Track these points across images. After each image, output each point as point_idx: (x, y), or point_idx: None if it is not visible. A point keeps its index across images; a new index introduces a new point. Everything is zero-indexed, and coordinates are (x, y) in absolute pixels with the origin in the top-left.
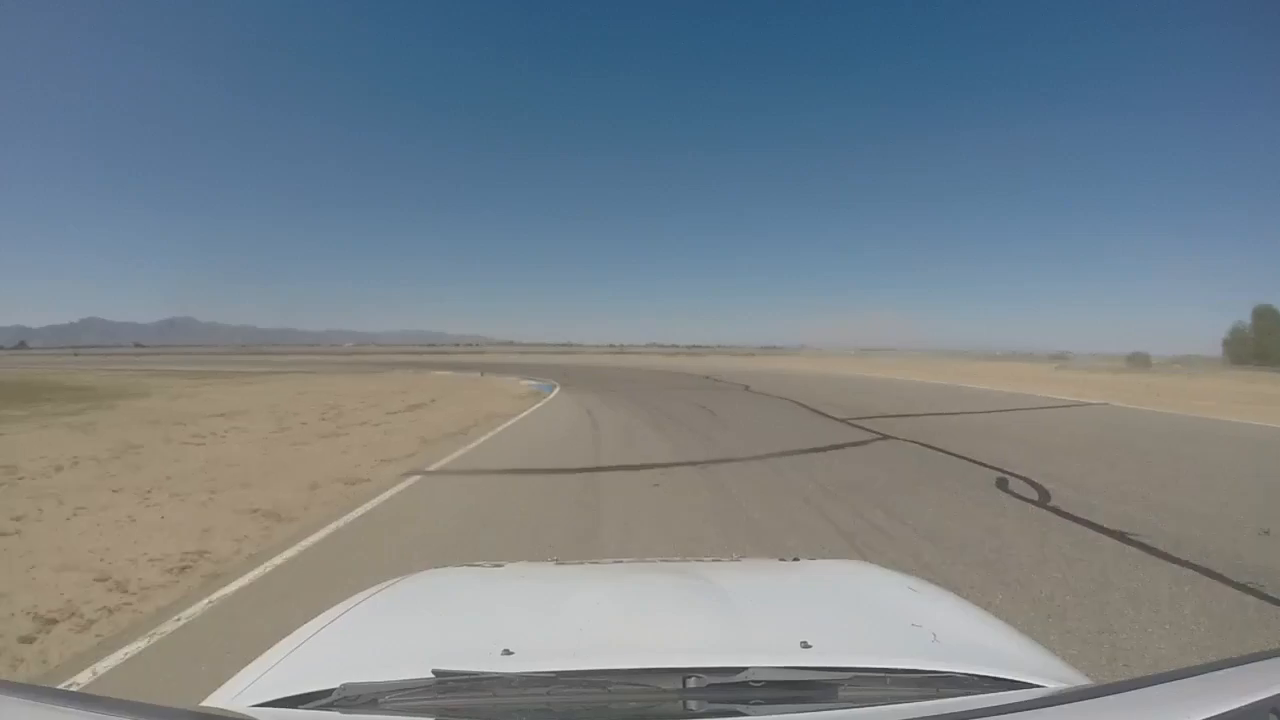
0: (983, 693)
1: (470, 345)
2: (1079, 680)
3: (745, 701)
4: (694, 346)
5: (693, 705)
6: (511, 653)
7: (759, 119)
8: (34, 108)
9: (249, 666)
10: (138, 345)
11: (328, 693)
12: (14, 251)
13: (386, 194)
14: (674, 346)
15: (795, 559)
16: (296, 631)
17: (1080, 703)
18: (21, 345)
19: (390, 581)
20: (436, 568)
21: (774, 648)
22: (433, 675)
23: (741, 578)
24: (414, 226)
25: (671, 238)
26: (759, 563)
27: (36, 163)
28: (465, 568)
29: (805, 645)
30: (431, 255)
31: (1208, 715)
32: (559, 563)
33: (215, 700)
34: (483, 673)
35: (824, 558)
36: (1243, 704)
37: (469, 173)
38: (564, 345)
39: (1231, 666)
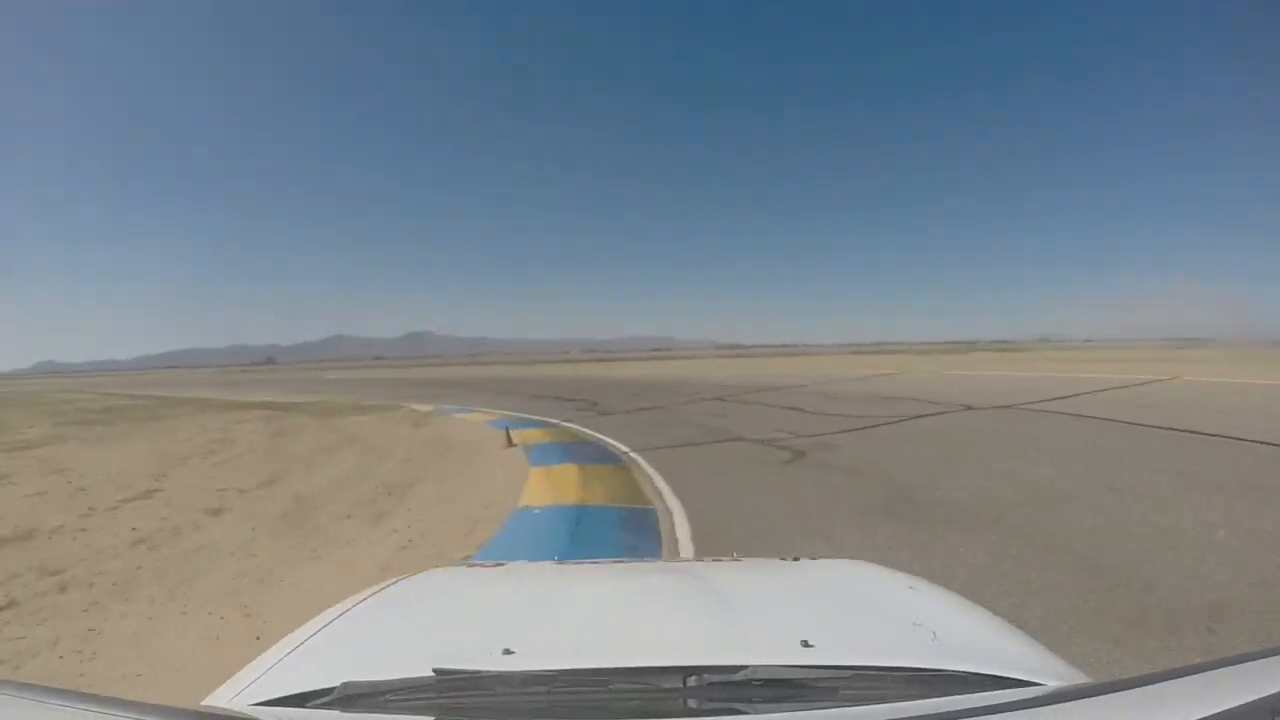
0: (983, 692)
1: (693, 349)
2: (1079, 679)
3: (745, 700)
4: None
5: (693, 704)
6: (512, 652)
7: None
8: (294, 157)
9: (249, 666)
10: (377, 358)
11: (328, 692)
12: (267, 276)
13: (616, 200)
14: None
15: (795, 558)
16: (297, 631)
17: (1080, 701)
18: (269, 361)
19: (390, 581)
20: (436, 567)
21: (774, 647)
22: (433, 674)
23: (741, 577)
24: (644, 233)
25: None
26: (759, 562)
27: (293, 200)
28: (465, 567)
29: (805, 644)
30: (661, 261)
31: (1208, 714)
32: (559, 562)
33: (215, 699)
34: (483, 672)
35: (824, 558)
36: (1243, 703)
37: (703, 178)
38: (793, 346)
39: (1232, 665)
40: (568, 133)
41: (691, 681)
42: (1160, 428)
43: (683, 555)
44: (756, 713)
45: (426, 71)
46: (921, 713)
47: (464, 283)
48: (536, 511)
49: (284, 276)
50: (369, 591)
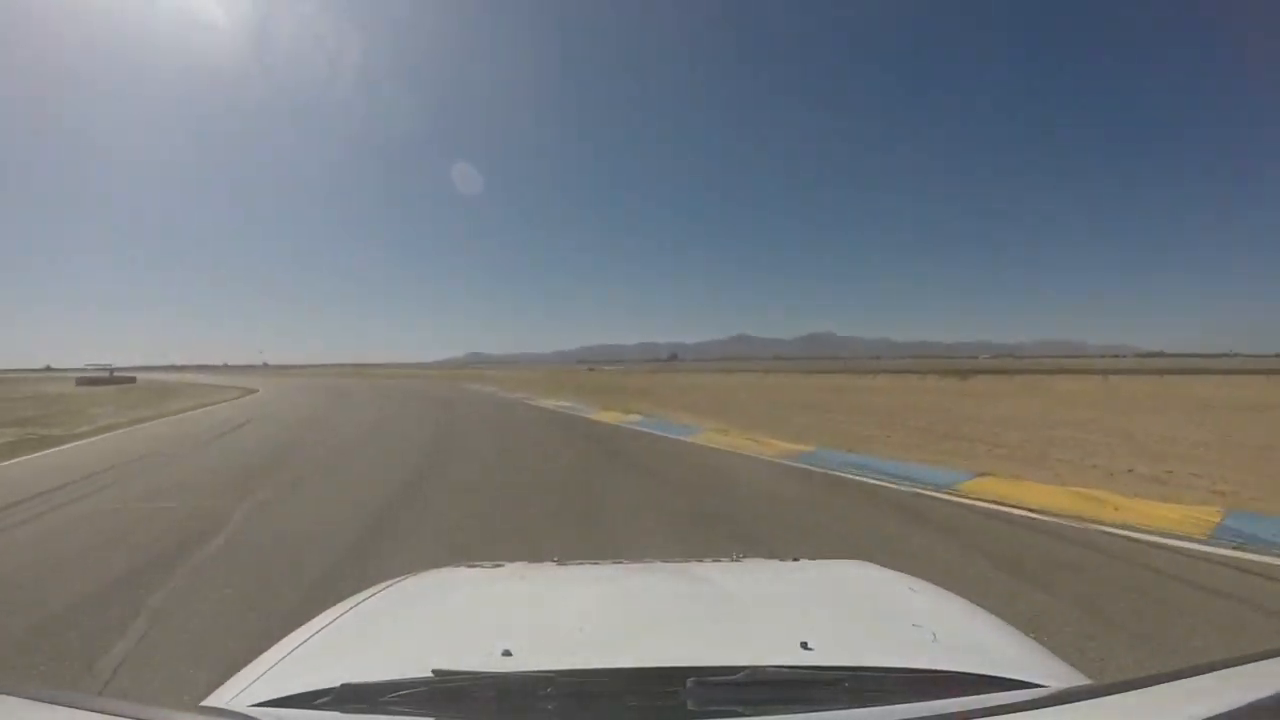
0: (983, 693)
1: (1111, 354)
2: (1079, 680)
3: (745, 702)
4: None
5: (692, 705)
6: (511, 653)
7: None
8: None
9: (249, 666)
10: (777, 358)
11: (328, 692)
12: (675, 274)
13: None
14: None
15: (796, 559)
16: (296, 631)
17: (1080, 703)
18: (673, 358)
19: (390, 581)
20: (436, 568)
21: (774, 648)
22: (433, 675)
23: (741, 578)
24: (1056, 224)
25: None
26: (759, 563)
27: (703, 199)
28: (465, 568)
29: (805, 645)
30: (1072, 260)
31: (1208, 715)
32: (559, 563)
33: (215, 700)
34: (482, 672)
35: (824, 558)
36: (1243, 703)
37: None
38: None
39: (1232, 666)
40: (986, 130)
41: (691, 682)
42: None
43: None
44: (756, 714)
45: (826, 71)
46: (922, 714)
47: (866, 283)
48: None
49: (691, 275)
50: (369, 591)
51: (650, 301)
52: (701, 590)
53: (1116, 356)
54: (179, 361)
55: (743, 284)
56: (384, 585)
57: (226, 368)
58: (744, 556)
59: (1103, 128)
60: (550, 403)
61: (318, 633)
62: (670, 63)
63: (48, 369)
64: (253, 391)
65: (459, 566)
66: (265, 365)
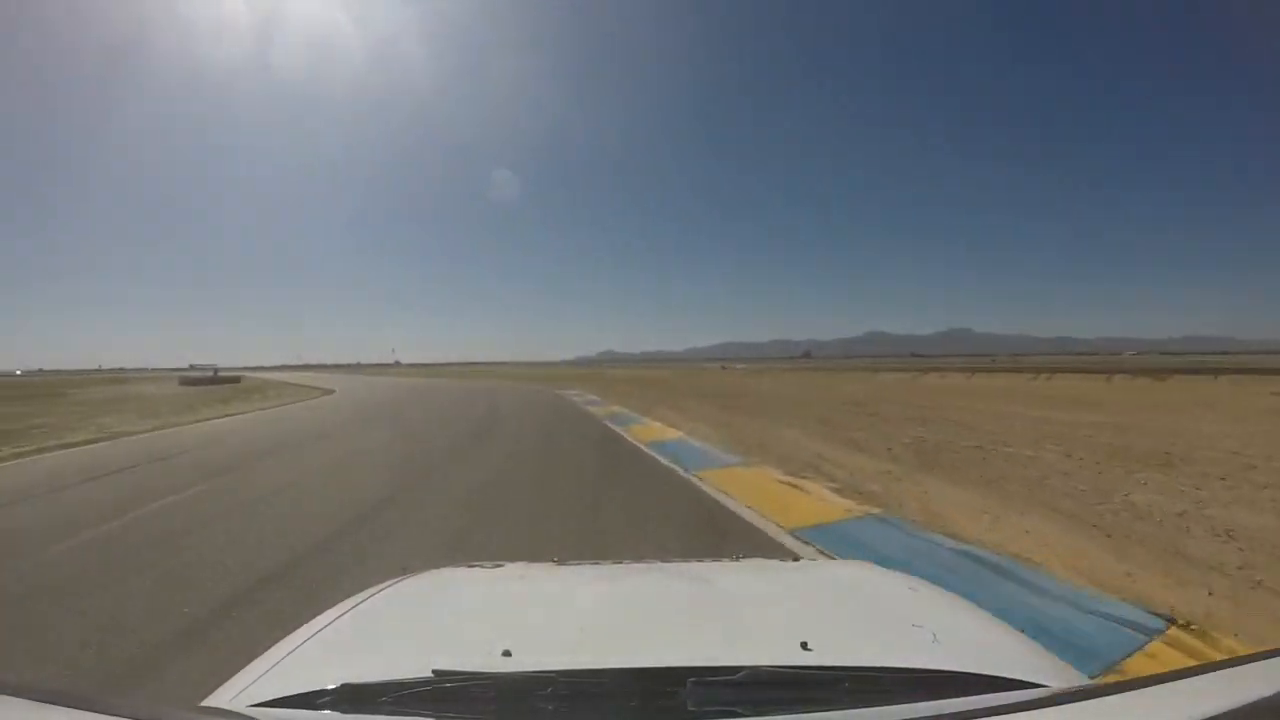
0: (983, 693)
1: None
2: (1079, 680)
3: (745, 702)
4: None
5: (692, 706)
6: (511, 653)
7: None
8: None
9: (249, 666)
10: (914, 354)
11: (328, 693)
12: (809, 270)
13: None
14: None
15: (796, 559)
16: (297, 631)
17: (1080, 703)
18: (806, 355)
19: (390, 581)
20: (436, 568)
21: (774, 648)
22: (433, 675)
23: (741, 578)
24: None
25: None
26: (759, 563)
27: (840, 196)
28: (465, 568)
29: (805, 646)
30: (1224, 253)
31: (1208, 715)
32: (559, 563)
33: (215, 700)
34: (482, 672)
35: (824, 559)
36: (1243, 703)
37: None
38: None
39: (1232, 666)
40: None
41: (691, 682)
42: None
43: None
44: (756, 714)
45: (972, 65)
46: (922, 714)
47: (1005, 277)
48: None
49: (825, 271)
50: (369, 592)
51: (784, 298)
52: (701, 590)
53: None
54: (313, 360)
55: (877, 279)
56: (384, 585)
57: (359, 366)
58: (744, 556)
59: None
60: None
61: (318, 633)
62: (810, 58)
63: (140, 368)
64: (328, 393)
65: (459, 567)
66: (397, 364)
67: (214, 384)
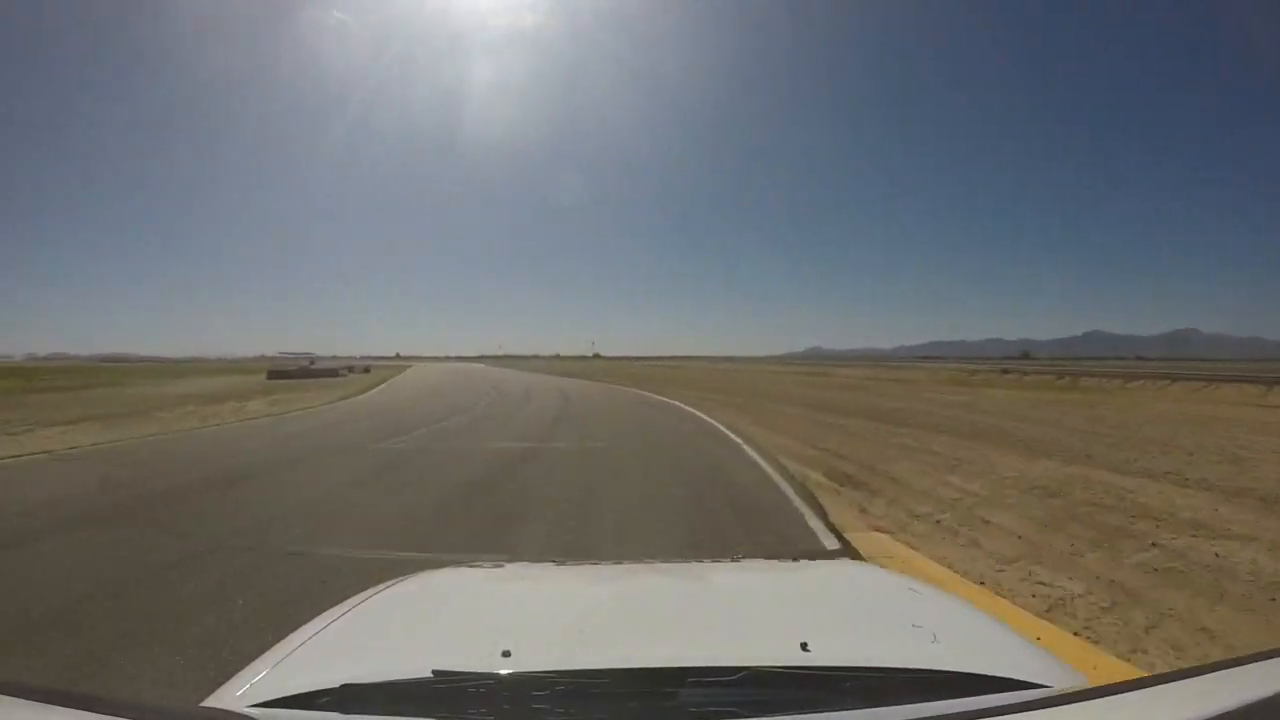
0: (983, 693)
1: None
2: (1079, 681)
3: (744, 702)
4: None
5: (691, 707)
6: (510, 653)
7: None
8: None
9: (249, 666)
10: (1139, 358)
11: (328, 693)
12: (1018, 270)
13: None
14: None
15: (795, 560)
16: (297, 631)
17: (1080, 703)
18: (1025, 356)
19: (390, 582)
20: (436, 568)
21: (773, 649)
22: (433, 675)
23: (740, 578)
24: None
25: None
26: (758, 564)
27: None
28: (465, 568)
29: (804, 646)
30: None
31: (1208, 715)
32: (559, 563)
33: (215, 700)
34: (482, 673)
35: (824, 559)
36: (1243, 704)
37: None
38: None
39: (1232, 666)
40: None
41: (690, 683)
42: None
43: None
44: (755, 714)
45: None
46: (922, 714)
47: (1235, 276)
48: None
49: (1040, 267)
50: (369, 592)
51: (997, 294)
52: (701, 591)
53: None
54: (513, 351)
55: (1096, 275)
56: (384, 585)
57: (559, 358)
58: (744, 557)
59: None
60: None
61: (318, 633)
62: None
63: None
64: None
65: (459, 567)
66: (597, 356)
67: (306, 377)
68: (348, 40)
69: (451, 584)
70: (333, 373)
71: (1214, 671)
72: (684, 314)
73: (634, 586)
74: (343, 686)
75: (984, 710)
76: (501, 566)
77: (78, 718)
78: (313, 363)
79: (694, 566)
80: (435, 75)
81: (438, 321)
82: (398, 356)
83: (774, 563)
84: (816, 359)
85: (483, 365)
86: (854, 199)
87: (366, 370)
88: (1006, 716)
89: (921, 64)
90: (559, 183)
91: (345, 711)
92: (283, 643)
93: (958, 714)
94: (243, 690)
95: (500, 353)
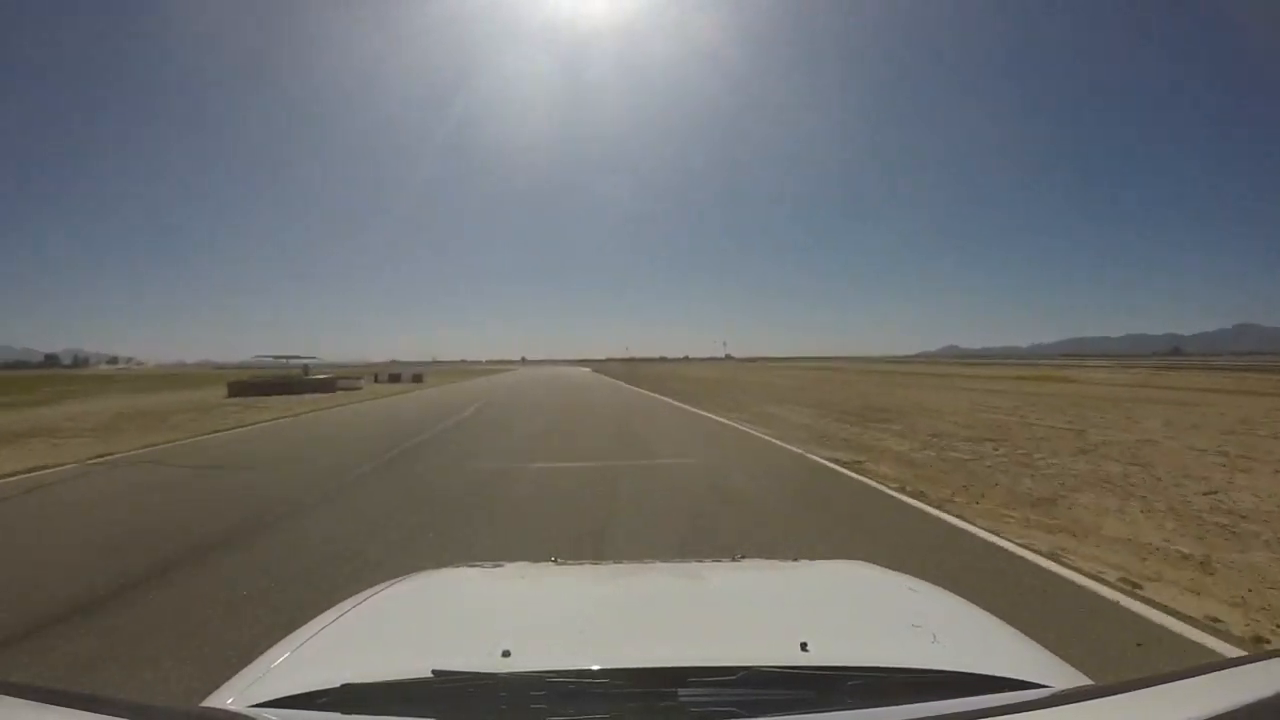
0: (983, 693)
1: None
2: (1079, 680)
3: (744, 702)
4: None
5: (692, 707)
6: (511, 653)
7: None
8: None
9: (249, 666)
10: None
11: (328, 693)
12: (1163, 259)
13: None
14: None
15: (795, 559)
16: (297, 631)
17: (1080, 703)
18: (1175, 351)
19: (390, 581)
20: (436, 568)
21: (773, 648)
22: (433, 675)
23: (740, 578)
24: None
25: None
26: (758, 563)
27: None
28: (465, 568)
29: (804, 646)
30: None
31: (1208, 715)
32: (559, 563)
33: (215, 700)
34: (482, 673)
35: (824, 559)
36: (1243, 704)
37: None
38: None
39: (1232, 667)
40: None
41: (690, 683)
42: None
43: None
44: (755, 714)
45: None
46: (921, 715)
47: None
48: None
49: (1186, 255)
50: (369, 592)
51: (1138, 287)
52: (701, 590)
53: None
54: (640, 354)
55: (1247, 263)
56: (384, 585)
57: (686, 360)
58: (744, 557)
59: None
60: None
61: (318, 633)
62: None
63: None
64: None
65: (459, 566)
66: (729, 357)
67: (285, 392)
68: (489, 45)
69: (451, 584)
70: (329, 385)
71: (1214, 671)
72: (817, 313)
73: (634, 586)
74: (343, 686)
75: (984, 710)
76: (501, 566)
77: (78, 718)
78: (307, 371)
79: (694, 566)
80: (571, 69)
81: (570, 324)
82: (523, 360)
83: (774, 563)
84: (951, 357)
85: (585, 370)
86: (991, 194)
87: (417, 379)
88: (1007, 716)
89: (1074, 57)
90: (689, 179)
91: (345, 711)
92: (283, 643)
93: (958, 714)
94: (243, 690)
95: (627, 355)
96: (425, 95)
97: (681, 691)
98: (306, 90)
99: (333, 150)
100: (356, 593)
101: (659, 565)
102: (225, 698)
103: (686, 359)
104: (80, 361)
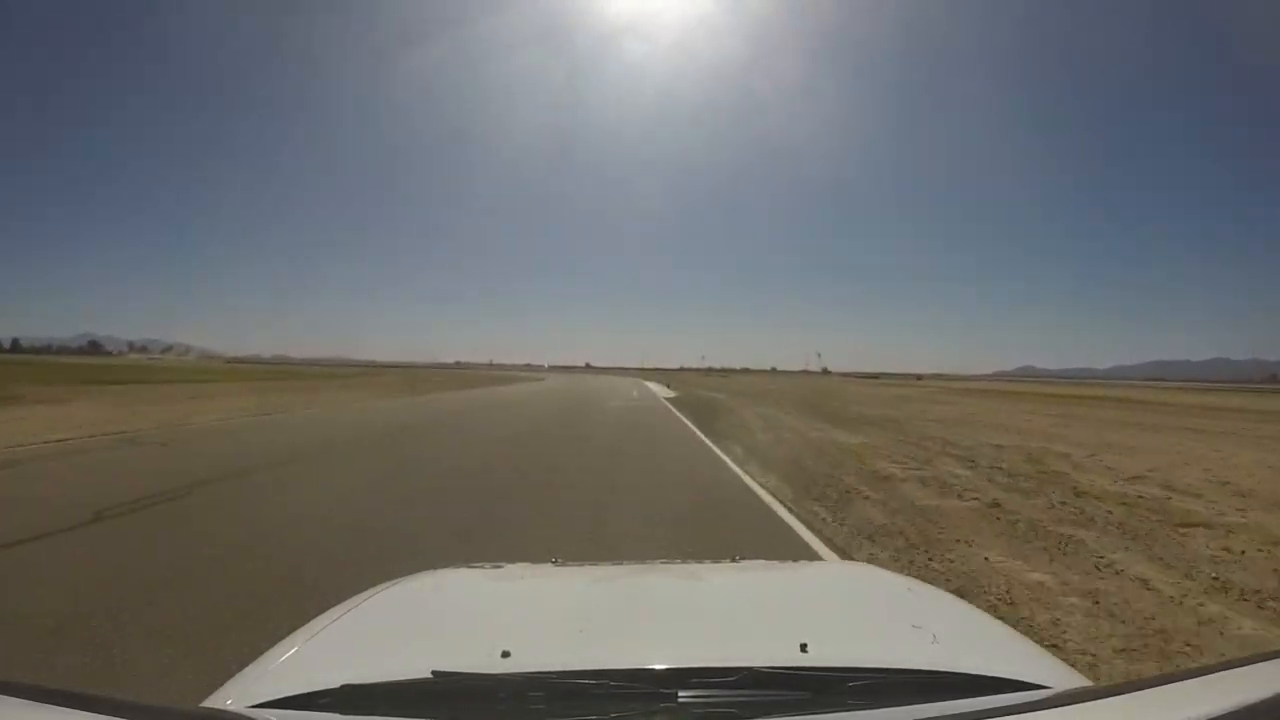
0: (983, 694)
1: None
2: (1079, 681)
3: (744, 703)
4: None
5: (692, 707)
6: (510, 654)
7: None
8: None
9: (249, 666)
10: None
11: (328, 693)
12: (1248, 281)
13: None
14: None
15: (795, 560)
16: (297, 631)
17: (1080, 704)
18: (1275, 379)
19: (390, 582)
20: (436, 569)
21: (773, 649)
22: (432, 675)
23: (740, 579)
24: None
25: None
26: (758, 564)
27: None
28: (465, 568)
29: (804, 647)
30: None
31: (1208, 715)
32: (558, 564)
33: (215, 700)
34: (482, 673)
35: (824, 560)
36: (1243, 704)
37: None
38: None
39: (1233, 667)
40: None
41: (690, 684)
42: None
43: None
44: (754, 715)
45: None
46: (921, 716)
47: None
48: None
49: (1272, 272)
50: (369, 592)
51: (1220, 308)
52: (700, 591)
53: None
54: (719, 364)
55: None
56: (384, 585)
57: (774, 373)
58: (743, 557)
59: None
60: None
61: (318, 633)
62: None
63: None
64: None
65: (459, 567)
66: (825, 371)
67: None
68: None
69: (451, 584)
70: None
71: (1214, 672)
72: (891, 330)
73: (634, 586)
74: (343, 687)
75: (984, 711)
76: (501, 567)
77: (78, 718)
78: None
79: (693, 567)
80: (645, 67)
81: (643, 329)
82: (587, 366)
83: (773, 563)
84: (1028, 378)
85: (629, 378)
86: (1068, 209)
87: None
88: (1006, 717)
89: (1147, 64)
90: (778, 185)
91: (345, 711)
92: (283, 643)
93: (958, 714)
94: (243, 690)
95: (704, 365)
96: (527, 99)
97: (681, 692)
98: (410, 94)
99: (414, 151)
100: (356, 593)
101: (659, 566)
102: (225, 698)
103: (774, 371)
104: (137, 349)
